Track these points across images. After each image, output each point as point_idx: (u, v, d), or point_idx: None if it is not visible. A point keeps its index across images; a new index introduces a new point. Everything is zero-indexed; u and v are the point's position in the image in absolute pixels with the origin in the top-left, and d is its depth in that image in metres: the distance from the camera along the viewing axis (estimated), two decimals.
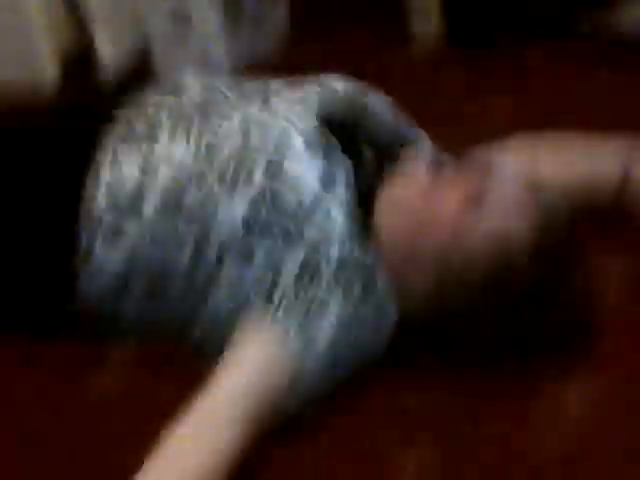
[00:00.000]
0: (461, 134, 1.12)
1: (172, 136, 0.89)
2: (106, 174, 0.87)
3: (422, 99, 1.26)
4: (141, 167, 0.87)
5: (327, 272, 0.82)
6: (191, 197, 0.86)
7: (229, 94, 0.95)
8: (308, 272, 0.83)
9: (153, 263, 0.86)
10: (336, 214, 0.85)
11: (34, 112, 1.05)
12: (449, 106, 1.33)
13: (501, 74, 1.43)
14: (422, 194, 0.86)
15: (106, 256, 0.86)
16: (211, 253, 0.85)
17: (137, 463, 0.71)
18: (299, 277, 0.82)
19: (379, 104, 0.99)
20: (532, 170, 0.97)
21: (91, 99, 1.26)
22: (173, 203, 0.86)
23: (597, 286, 0.88)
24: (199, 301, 0.87)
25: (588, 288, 0.87)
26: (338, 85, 0.97)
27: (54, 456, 0.81)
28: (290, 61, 1.46)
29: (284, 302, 0.81)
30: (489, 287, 0.82)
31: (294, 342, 0.79)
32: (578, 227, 0.87)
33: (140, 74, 1.44)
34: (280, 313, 0.80)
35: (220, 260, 0.84)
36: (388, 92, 1.02)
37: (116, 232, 0.85)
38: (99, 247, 0.86)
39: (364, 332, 0.84)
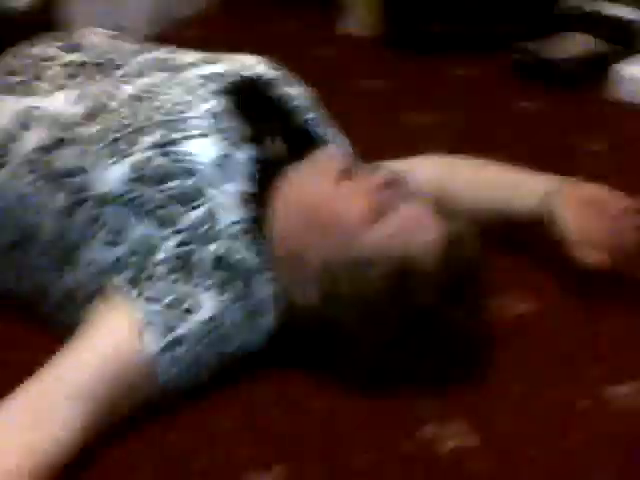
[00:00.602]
0: (376, 140, 1.10)
1: (55, 85, 0.82)
2: None
3: (341, 97, 1.22)
4: (16, 118, 0.80)
5: (203, 267, 0.75)
6: (64, 157, 0.78)
7: (133, 58, 0.87)
8: (181, 264, 0.75)
9: (17, 218, 0.79)
10: (225, 205, 0.77)
11: None
12: (370, 109, 1.30)
13: (425, 86, 1.46)
14: (325, 196, 0.79)
15: None
16: (79, 221, 0.77)
17: None
18: (171, 267, 0.75)
19: (298, 95, 0.91)
20: (447, 187, 0.93)
21: None
22: (44, 162, 0.78)
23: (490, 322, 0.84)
24: (59, 270, 0.79)
25: (482, 325, 0.82)
26: (257, 67, 0.89)
27: None
28: (213, 35, 1.40)
29: (149, 291, 0.73)
30: (376, 307, 0.76)
31: (153, 334, 0.72)
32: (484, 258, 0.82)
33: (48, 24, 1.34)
34: (143, 301, 0.73)
35: (87, 231, 0.77)
36: (309, 85, 0.96)
37: None
38: None
39: (233, 334, 0.77)
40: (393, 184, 0.80)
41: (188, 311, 0.73)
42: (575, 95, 1.51)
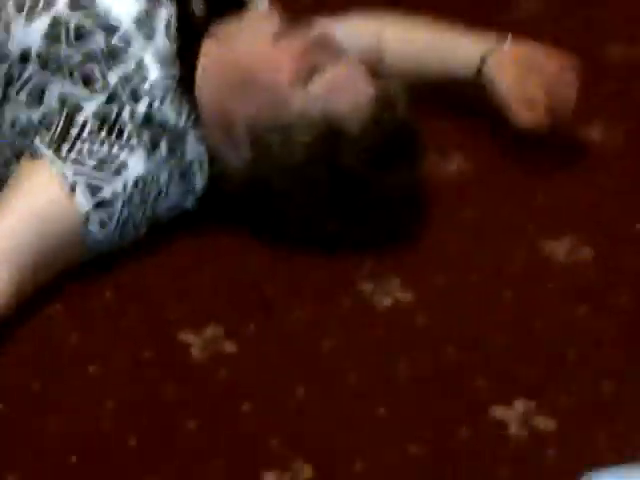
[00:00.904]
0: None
1: None
2: None
3: None
4: None
5: (130, 127, 0.74)
6: None
7: None
8: (107, 123, 0.74)
9: None
10: (149, 63, 0.76)
11: None
12: None
13: None
14: (258, 56, 0.77)
15: None
16: (0, 79, 0.76)
17: None
18: (95, 128, 0.74)
19: None
20: (380, 47, 0.92)
21: None
22: None
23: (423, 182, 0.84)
24: None
25: (413, 186, 0.82)
26: None
27: None
28: None
29: (73, 154, 0.72)
30: (310, 159, 0.75)
31: (80, 197, 0.71)
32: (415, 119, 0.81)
33: None
34: (68, 165, 0.72)
35: (5, 94, 0.75)
36: None
37: None
38: None
39: (165, 194, 0.77)
40: (323, 44, 0.78)
41: (116, 172, 0.73)
42: None
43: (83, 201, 0.71)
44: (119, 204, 0.73)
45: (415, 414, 0.66)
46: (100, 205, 0.72)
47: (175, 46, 0.78)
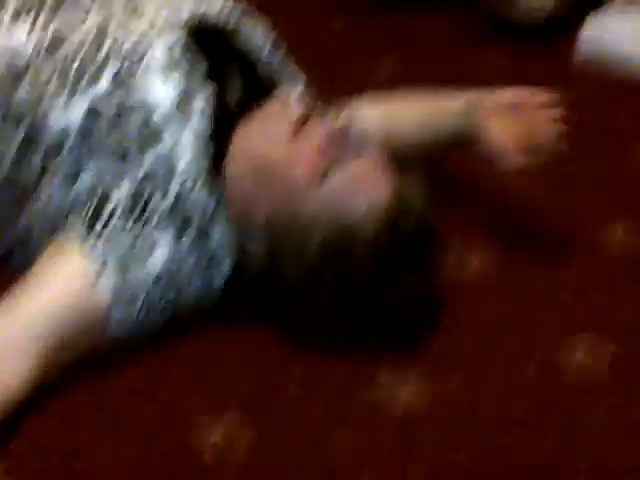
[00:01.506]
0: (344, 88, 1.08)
1: (15, 17, 0.80)
2: None
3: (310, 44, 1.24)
4: None
5: (162, 207, 0.75)
6: (23, 91, 0.76)
7: None
8: (140, 203, 0.75)
9: None
10: (185, 144, 0.76)
11: None
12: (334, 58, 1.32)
13: (390, 36, 1.44)
14: (275, 151, 0.77)
15: None
16: (35, 160, 0.76)
17: None
18: (129, 207, 0.74)
19: (258, 32, 0.91)
20: (390, 128, 0.93)
21: None
22: (3, 97, 0.77)
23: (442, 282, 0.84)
24: (18, 207, 0.79)
25: (431, 283, 0.82)
26: (218, 6, 0.88)
27: None
28: None
29: (106, 232, 0.73)
30: (322, 261, 0.75)
31: (109, 278, 0.71)
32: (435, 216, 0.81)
33: None
34: (100, 244, 0.72)
35: (44, 170, 0.76)
36: (274, 25, 0.96)
37: None
38: None
39: (191, 280, 0.77)
40: (343, 138, 0.78)
41: (148, 251, 0.73)
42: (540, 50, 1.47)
43: (109, 287, 0.71)
44: (144, 291, 0.73)
45: None
46: (125, 291, 0.72)
47: (211, 128, 0.78)
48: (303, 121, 0.78)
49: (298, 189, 0.75)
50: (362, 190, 0.76)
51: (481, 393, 0.78)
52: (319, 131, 0.77)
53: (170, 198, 0.75)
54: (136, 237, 0.73)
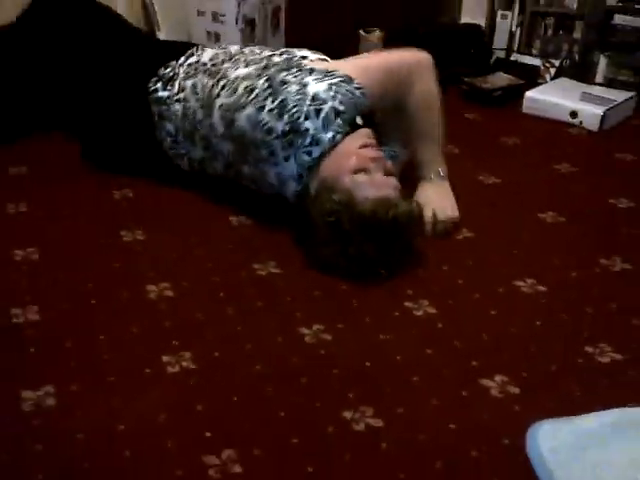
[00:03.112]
0: None
1: (236, 63, 1.44)
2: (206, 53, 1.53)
3: None
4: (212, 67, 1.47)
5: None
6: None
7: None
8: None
9: (249, 138, 1.36)
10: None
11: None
12: None
13: None
14: (350, 150, 1.31)
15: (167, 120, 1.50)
16: (274, 146, 1.35)
17: None
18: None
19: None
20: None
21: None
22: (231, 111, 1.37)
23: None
24: (269, 165, 1.37)
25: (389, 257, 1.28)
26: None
27: None
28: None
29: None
30: (332, 212, 1.24)
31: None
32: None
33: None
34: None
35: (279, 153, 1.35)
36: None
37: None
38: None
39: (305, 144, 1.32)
40: (378, 159, 1.31)
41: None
42: (501, 110, 2.10)
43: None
44: None
45: None
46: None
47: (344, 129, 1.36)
48: (369, 143, 1.32)
49: (344, 169, 1.27)
50: (372, 188, 1.25)
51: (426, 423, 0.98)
52: (373, 151, 1.32)
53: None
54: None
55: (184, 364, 1.06)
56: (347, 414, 0.98)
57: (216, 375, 1.05)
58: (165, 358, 1.07)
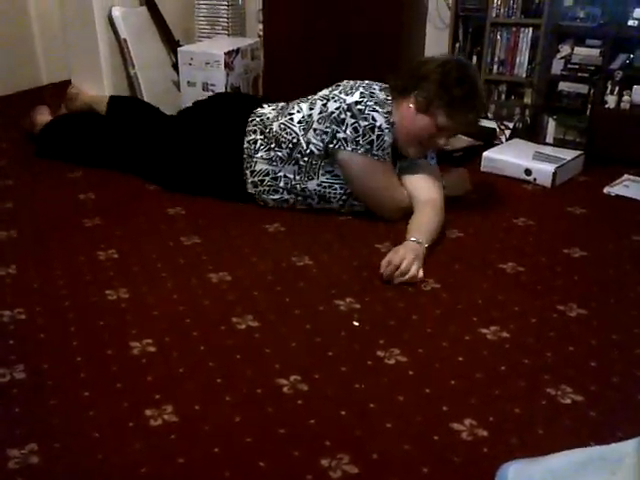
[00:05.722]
0: None
1: (299, 106, 1.84)
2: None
3: None
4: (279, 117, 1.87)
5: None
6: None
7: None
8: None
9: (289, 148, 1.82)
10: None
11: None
12: None
13: None
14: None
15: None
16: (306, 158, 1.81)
17: None
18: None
19: None
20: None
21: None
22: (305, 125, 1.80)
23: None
24: (307, 177, 1.81)
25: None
26: None
27: None
28: None
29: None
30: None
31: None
32: None
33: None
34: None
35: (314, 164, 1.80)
36: None
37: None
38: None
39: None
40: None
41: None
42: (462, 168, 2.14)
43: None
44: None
45: None
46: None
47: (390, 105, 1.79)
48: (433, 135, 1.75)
49: (412, 141, 1.74)
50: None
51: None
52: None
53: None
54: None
55: (165, 417, 1.05)
56: (324, 462, 0.98)
57: (197, 427, 1.04)
58: (148, 412, 1.06)
